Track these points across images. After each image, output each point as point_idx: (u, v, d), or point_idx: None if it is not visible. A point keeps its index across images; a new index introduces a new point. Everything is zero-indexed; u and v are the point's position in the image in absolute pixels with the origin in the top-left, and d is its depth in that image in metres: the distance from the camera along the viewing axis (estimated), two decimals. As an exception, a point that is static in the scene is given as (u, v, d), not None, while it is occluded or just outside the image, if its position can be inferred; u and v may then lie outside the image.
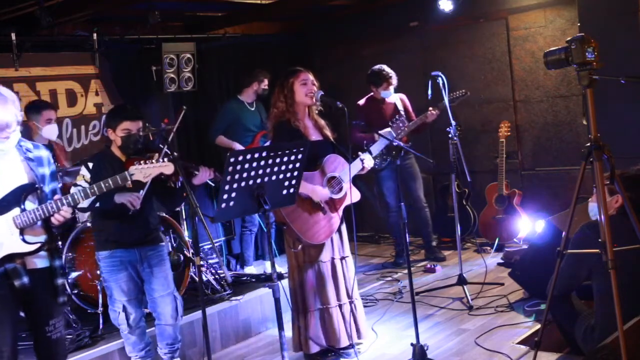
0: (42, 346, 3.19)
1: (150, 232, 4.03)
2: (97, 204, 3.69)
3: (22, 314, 3.20)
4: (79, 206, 3.55)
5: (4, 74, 5.61)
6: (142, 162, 3.29)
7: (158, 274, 4.00)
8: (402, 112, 6.10)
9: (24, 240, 3.03)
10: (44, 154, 3.22)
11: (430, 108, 5.86)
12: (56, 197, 3.10)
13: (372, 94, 6.24)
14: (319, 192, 4.03)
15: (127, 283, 3.93)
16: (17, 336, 3.13)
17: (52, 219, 3.06)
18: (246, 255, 6.33)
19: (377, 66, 6.12)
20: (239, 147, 5.99)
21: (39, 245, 3.07)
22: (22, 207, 3.02)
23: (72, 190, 3.68)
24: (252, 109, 6.26)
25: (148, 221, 4.02)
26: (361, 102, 6.30)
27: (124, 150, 3.91)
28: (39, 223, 3.08)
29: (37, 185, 3.08)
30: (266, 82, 6.28)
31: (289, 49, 7.80)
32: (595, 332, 3.38)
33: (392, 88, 6.11)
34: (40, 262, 3.13)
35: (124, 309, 3.93)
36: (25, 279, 3.04)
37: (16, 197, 3.01)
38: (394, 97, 6.21)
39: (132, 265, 3.95)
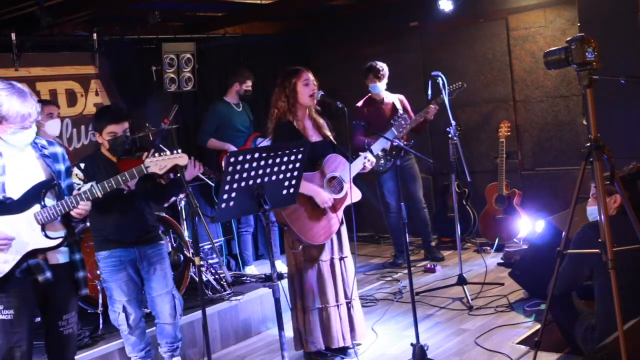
0: (53, 340, 3.22)
1: (149, 230, 4.04)
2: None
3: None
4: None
5: (4, 74, 5.59)
6: (155, 154, 3.40)
7: (157, 273, 4.01)
8: (401, 113, 6.10)
9: (46, 236, 3.08)
10: (59, 150, 3.27)
11: (431, 105, 5.84)
12: (75, 192, 3.15)
13: (369, 94, 6.23)
14: (322, 195, 4.02)
15: (127, 283, 3.93)
16: (34, 332, 3.15)
17: (73, 213, 3.13)
18: (245, 256, 6.31)
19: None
20: (232, 148, 5.93)
21: (60, 240, 3.12)
22: (43, 203, 3.07)
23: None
24: (239, 110, 6.19)
25: (146, 219, 4.03)
26: (359, 103, 6.28)
27: (112, 152, 3.92)
28: (59, 218, 3.13)
29: (54, 182, 3.13)
30: (249, 83, 6.18)
31: (289, 49, 7.79)
32: (595, 332, 3.39)
33: (380, 83, 6.06)
34: (62, 257, 3.20)
35: (124, 309, 3.93)
36: (49, 274, 3.10)
37: (36, 194, 3.06)
38: (392, 98, 6.20)
39: (132, 265, 3.95)
